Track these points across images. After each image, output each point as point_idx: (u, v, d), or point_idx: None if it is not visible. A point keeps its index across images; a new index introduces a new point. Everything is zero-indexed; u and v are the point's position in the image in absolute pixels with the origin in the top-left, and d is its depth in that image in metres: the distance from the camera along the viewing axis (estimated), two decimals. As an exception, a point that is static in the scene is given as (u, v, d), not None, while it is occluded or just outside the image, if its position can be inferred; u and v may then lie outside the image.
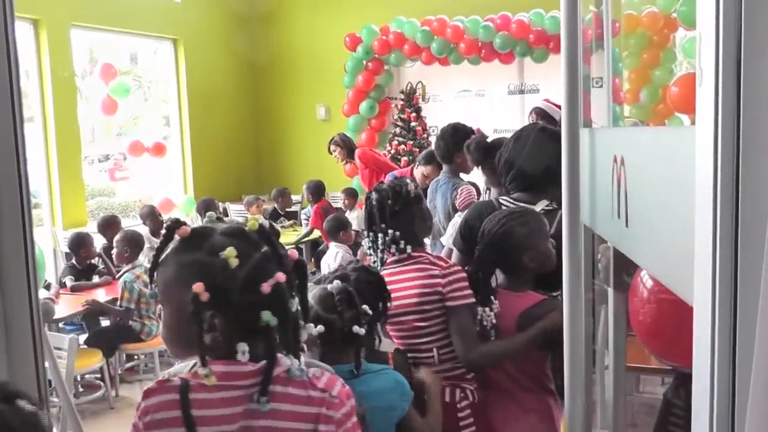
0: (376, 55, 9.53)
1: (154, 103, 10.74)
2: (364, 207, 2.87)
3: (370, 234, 2.80)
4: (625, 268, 1.78)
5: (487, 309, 2.66)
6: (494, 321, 2.66)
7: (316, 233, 8.10)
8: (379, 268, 2.75)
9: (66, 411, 3.43)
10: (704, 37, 0.93)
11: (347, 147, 7.73)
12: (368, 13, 9.89)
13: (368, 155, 7.69)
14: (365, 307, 2.24)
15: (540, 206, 3.01)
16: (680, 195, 1.07)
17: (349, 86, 9.73)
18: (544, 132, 3.11)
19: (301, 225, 9.11)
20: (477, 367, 2.68)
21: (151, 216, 7.45)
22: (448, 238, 3.70)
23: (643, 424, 3.51)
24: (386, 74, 9.82)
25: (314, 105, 10.83)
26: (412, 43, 9.25)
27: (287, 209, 9.19)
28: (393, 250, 2.74)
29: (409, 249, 2.72)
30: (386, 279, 2.62)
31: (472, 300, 2.62)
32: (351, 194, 8.46)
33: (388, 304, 2.45)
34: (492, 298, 2.68)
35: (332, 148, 7.80)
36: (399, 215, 2.73)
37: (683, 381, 1.89)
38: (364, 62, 9.61)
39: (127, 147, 9.00)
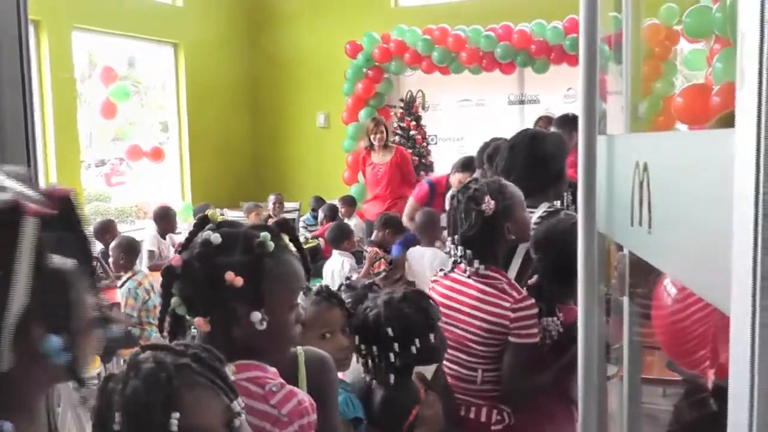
0: (377, 63, 9.52)
1: (151, 108, 10.70)
2: (448, 207, 2.76)
3: (453, 237, 2.70)
4: (643, 276, 1.76)
5: (555, 318, 2.64)
6: (561, 329, 2.63)
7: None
8: (444, 271, 2.75)
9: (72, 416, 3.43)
10: (747, 37, 0.90)
11: (388, 134, 7.77)
12: (369, 21, 9.89)
13: (407, 156, 7.78)
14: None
15: (542, 209, 3.01)
16: (714, 200, 1.04)
17: (349, 94, 9.71)
18: (536, 137, 3.15)
19: (298, 231, 9.08)
20: (515, 403, 2.63)
21: (166, 218, 7.38)
22: None
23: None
24: (386, 82, 9.81)
25: (314, 112, 10.81)
26: (413, 51, 9.24)
27: (282, 216, 9.15)
28: (464, 264, 2.66)
29: (481, 267, 2.62)
30: (450, 285, 2.69)
31: (536, 339, 2.55)
32: (349, 202, 8.44)
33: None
34: (557, 308, 2.66)
35: (378, 127, 7.74)
36: (469, 231, 2.62)
37: (696, 391, 1.86)
38: (365, 70, 9.59)
39: (125, 151, 8.97)
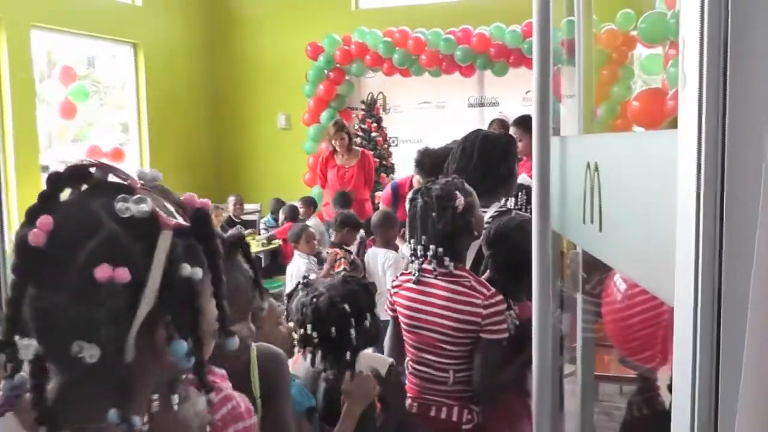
0: (338, 65, 9.53)
1: (111, 109, 10.60)
2: (408, 209, 2.71)
3: (411, 241, 2.68)
4: (595, 272, 1.80)
5: (511, 312, 2.66)
6: (517, 323, 2.65)
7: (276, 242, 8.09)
8: (415, 277, 2.67)
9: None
10: (688, 41, 0.94)
11: (351, 138, 7.75)
12: (330, 23, 9.90)
13: (371, 159, 7.79)
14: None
15: (494, 209, 3.06)
16: (659, 198, 1.08)
17: (310, 95, 9.72)
18: (486, 139, 3.18)
19: (260, 233, 9.06)
20: (488, 399, 2.65)
21: None
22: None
23: (604, 430, 3.55)
24: (347, 84, 9.83)
25: (275, 113, 10.79)
26: (374, 53, 9.27)
27: (242, 217, 9.12)
28: (433, 264, 2.63)
29: (452, 266, 2.61)
30: (418, 289, 2.66)
31: (506, 335, 2.56)
32: (309, 203, 8.45)
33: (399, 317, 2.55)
34: (511, 302, 2.68)
35: (339, 133, 7.69)
36: (445, 228, 2.60)
37: (648, 387, 1.92)
38: (326, 72, 9.60)
39: (85, 152, 8.86)
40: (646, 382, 1.94)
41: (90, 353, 0.95)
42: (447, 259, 2.60)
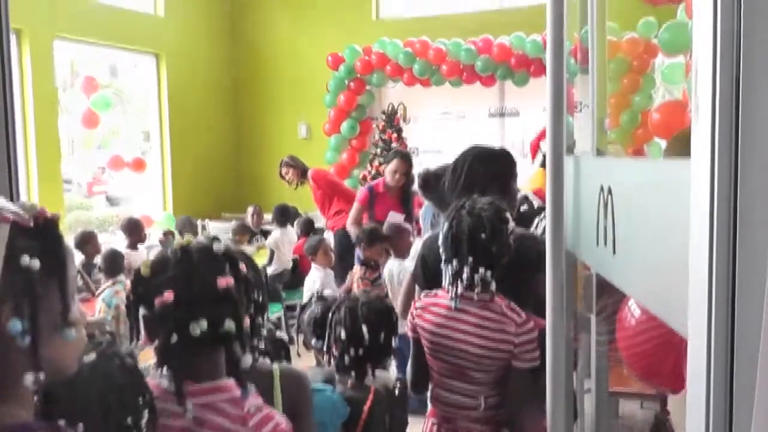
0: (359, 75, 9.54)
1: (133, 117, 10.68)
2: (446, 228, 2.50)
3: (454, 261, 2.48)
4: (609, 295, 1.79)
5: None
6: None
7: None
8: (455, 305, 2.50)
9: None
10: (701, 73, 0.94)
11: (300, 167, 7.57)
12: (351, 33, 9.92)
13: (321, 175, 7.58)
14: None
15: None
16: (673, 227, 1.08)
17: (331, 105, 9.73)
18: (480, 155, 3.04)
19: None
20: (527, 427, 2.50)
21: (134, 229, 7.26)
22: (410, 262, 3.57)
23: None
24: (368, 94, 9.83)
25: (296, 123, 10.82)
26: (395, 64, 9.27)
27: (261, 228, 9.11)
28: (477, 289, 2.46)
29: (494, 290, 2.48)
30: (445, 314, 2.53)
31: (539, 362, 2.40)
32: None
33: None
34: None
35: (284, 170, 7.60)
36: (498, 251, 2.45)
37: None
38: (346, 82, 9.62)
39: (107, 162, 8.93)
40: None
41: None
42: (493, 283, 2.48)
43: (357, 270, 5.69)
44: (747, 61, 0.87)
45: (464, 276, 2.45)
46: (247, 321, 1.64)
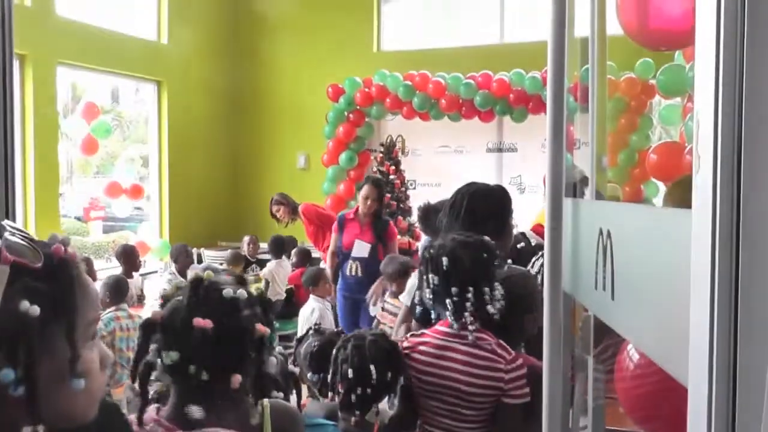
0: (358, 107, 9.59)
1: (132, 143, 10.71)
2: (447, 260, 2.47)
3: (452, 297, 2.47)
4: (608, 337, 1.79)
5: None
6: None
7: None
8: (472, 338, 2.47)
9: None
10: (702, 124, 0.94)
11: (290, 204, 7.56)
12: (352, 65, 9.99)
13: (311, 210, 7.53)
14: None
15: None
16: (674, 275, 1.08)
17: (330, 136, 9.77)
18: (475, 194, 3.04)
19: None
20: None
21: (129, 257, 7.20)
22: (406, 296, 3.53)
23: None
24: (367, 126, 9.88)
25: (294, 153, 10.85)
26: (394, 96, 9.33)
27: (257, 257, 9.09)
28: (470, 325, 2.45)
29: (476, 327, 2.47)
30: (435, 353, 2.53)
31: (528, 398, 2.43)
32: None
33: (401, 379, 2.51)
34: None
35: (275, 208, 7.62)
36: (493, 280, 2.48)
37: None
38: (346, 113, 9.66)
39: (104, 188, 8.91)
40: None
41: None
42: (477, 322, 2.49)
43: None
44: (749, 113, 0.87)
45: (468, 308, 2.44)
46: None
